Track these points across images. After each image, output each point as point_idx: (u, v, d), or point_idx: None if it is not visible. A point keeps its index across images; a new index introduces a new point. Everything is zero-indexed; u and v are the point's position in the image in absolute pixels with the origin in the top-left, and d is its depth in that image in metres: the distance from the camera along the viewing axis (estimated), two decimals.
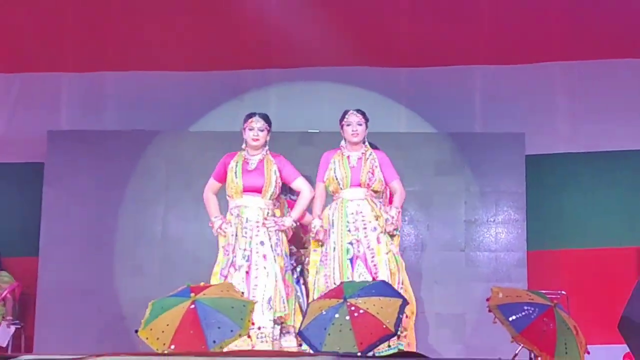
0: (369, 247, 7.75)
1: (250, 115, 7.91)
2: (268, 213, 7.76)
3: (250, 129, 7.85)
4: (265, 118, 7.89)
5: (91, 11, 10.55)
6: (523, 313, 6.38)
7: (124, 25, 10.51)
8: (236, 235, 7.70)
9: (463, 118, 10.33)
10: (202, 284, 6.69)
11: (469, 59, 10.47)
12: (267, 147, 7.92)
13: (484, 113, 10.37)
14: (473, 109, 10.40)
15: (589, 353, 6.47)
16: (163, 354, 5.97)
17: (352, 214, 7.83)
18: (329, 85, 9.70)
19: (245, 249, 7.67)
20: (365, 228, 7.79)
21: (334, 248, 7.77)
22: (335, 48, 10.25)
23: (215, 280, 7.58)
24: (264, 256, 7.64)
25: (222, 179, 7.88)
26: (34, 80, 10.54)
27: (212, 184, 7.95)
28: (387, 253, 7.70)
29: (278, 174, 7.79)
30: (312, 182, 7.94)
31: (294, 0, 10.33)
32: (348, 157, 7.97)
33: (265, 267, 7.61)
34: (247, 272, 7.62)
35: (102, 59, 10.54)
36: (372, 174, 7.90)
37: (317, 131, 9.66)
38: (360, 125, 8.00)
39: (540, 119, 10.30)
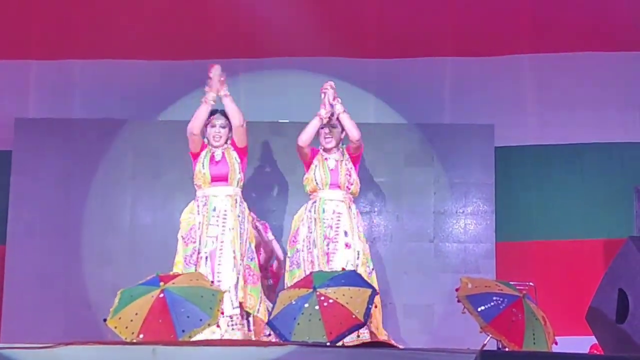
0: (336, 248, 7.83)
1: (213, 113, 7.95)
2: (237, 200, 7.82)
3: (212, 126, 7.94)
4: (227, 116, 7.94)
5: None
6: (492, 303, 6.39)
7: (92, 13, 10.42)
8: (203, 224, 7.74)
9: (432, 109, 10.34)
10: (171, 272, 6.69)
11: (438, 51, 10.48)
12: (228, 142, 7.98)
13: (453, 104, 10.39)
14: (442, 100, 10.41)
15: (556, 344, 6.50)
16: (132, 343, 5.95)
17: (330, 212, 7.91)
18: (299, 74, 9.70)
19: (211, 237, 7.71)
20: (337, 230, 7.86)
21: (314, 244, 7.84)
22: (305, 38, 10.23)
23: (178, 270, 7.59)
24: (230, 244, 7.68)
25: (200, 149, 7.98)
26: (1, 68, 10.44)
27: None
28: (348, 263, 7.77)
29: (239, 160, 7.87)
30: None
31: None
32: (326, 159, 8.06)
33: (229, 256, 7.64)
34: (211, 260, 7.66)
35: (70, 47, 10.45)
36: (349, 175, 8.01)
37: (287, 121, 9.64)
38: (335, 127, 8.08)
39: (509, 110, 10.33)
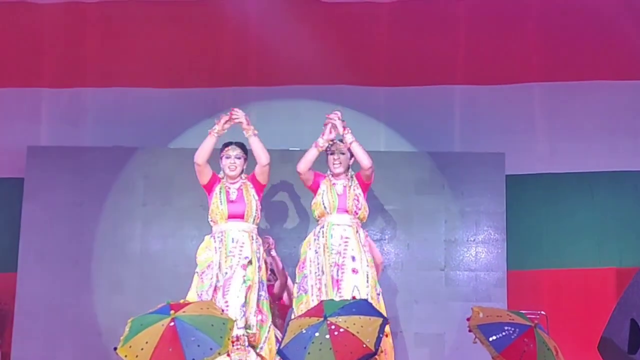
0: (343, 274, 7.81)
1: (227, 145, 7.97)
2: (253, 237, 7.81)
3: (227, 157, 7.95)
4: (242, 147, 7.96)
5: (70, 27, 10.52)
6: (503, 333, 6.38)
7: (103, 42, 10.49)
8: (221, 260, 7.72)
9: (443, 137, 10.34)
10: (182, 301, 6.67)
11: (448, 79, 10.50)
12: (244, 175, 7.98)
13: (463, 132, 10.39)
14: (453, 128, 10.42)
15: None
16: None
17: (337, 237, 7.90)
18: (309, 103, 9.72)
19: (229, 267, 7.70)
20: (345, 256, 7.85)
21: (322, 271, 7.84)
22: (315, 66, 10.26)
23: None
24: (243, 266, 7.67)
25: (210, 181, 7.97)
26: (14, 96, 10.49)
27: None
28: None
29: (257, 197, 7.89)
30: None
31: (274, 20, 10.34)
32: (334, 184, 8.07)
33: (238, 279, 7.62)
34: (222, 287, 7.65)
35: (81, 75, 10.50)
36: (357, 200, 8.02)
37: (297, 149, 9.64)
38: (343, 153, 8.11)
39: (519, 139, 10.33)
